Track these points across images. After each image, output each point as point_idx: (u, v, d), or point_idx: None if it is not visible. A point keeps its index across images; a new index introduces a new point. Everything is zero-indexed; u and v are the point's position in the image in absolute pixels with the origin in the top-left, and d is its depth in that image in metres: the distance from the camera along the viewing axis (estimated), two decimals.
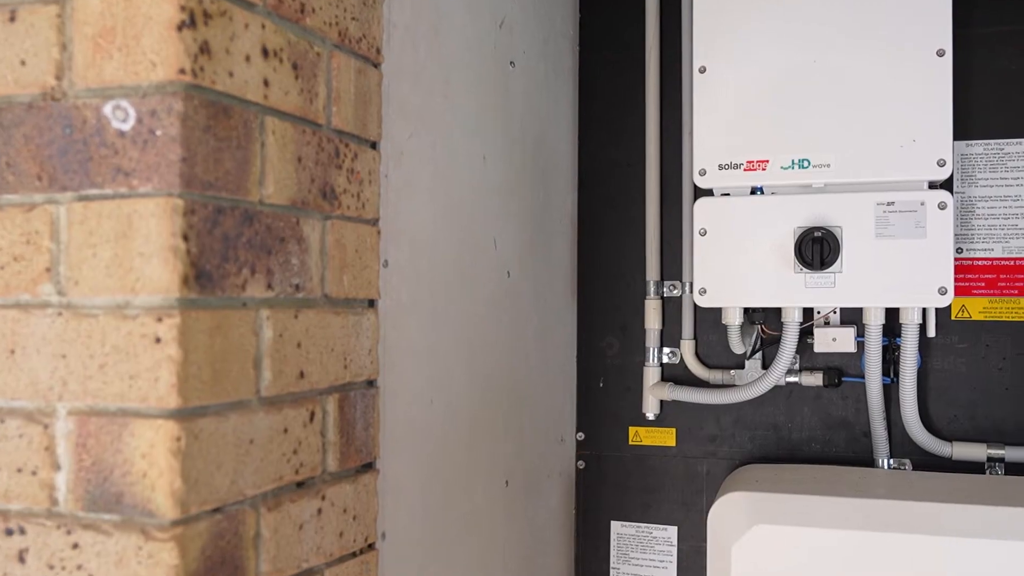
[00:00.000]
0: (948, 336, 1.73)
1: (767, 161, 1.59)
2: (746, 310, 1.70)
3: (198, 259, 0.88)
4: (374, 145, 1.18)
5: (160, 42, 0.86)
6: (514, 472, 1.63)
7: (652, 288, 1.87)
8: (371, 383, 1.17)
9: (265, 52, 0.97)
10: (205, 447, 0.89)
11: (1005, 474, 1.67)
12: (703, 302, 1.64)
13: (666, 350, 1.88)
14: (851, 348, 1.70)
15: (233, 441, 0.92)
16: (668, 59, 1.87)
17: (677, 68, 1.86)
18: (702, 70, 1.64)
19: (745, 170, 1.61)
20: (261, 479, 0.96)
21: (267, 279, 0.97)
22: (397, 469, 1.24)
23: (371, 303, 1.17)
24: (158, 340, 0.86)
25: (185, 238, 0.86)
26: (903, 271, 1.54)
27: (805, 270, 1.57)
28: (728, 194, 1.64)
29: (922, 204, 1.54)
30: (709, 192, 1.66)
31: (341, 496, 1.10)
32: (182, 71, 0.86)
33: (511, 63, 1.62)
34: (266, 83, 0.97)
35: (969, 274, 1.72)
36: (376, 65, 1.18)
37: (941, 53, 1.53)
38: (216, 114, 0.90)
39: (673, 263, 1.87)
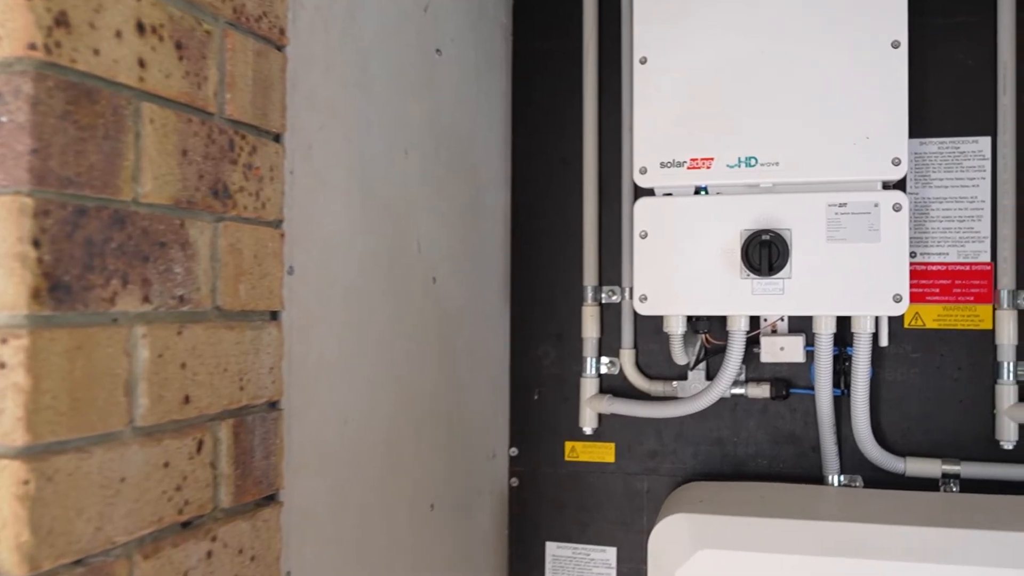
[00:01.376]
0: (901, 345, 1.64)
1: (712, 159, 1.49)
2: (689, 318, 1.60)
3: (53, 268, 0.74)
4: (277, 138, 1.05)
5: (5, 12, 0.72)
6: (441, 494, 1.51)
7: (590, 294, 1.75)
8: (273, 405, 1.04)
9: (141, 28, 0.83)
10: (62, 490, 0.75)
11: (960, 491, 1.59)
12: (644, 309, 1.53)
13: (604, 360, 1.77)
14: (800, 358, 1.61)
15: (99, 481, 0.79)
16: (608, 49, 1.76)
17: (617, 59, 1.75)
18: (643, 61, 1.53)
19: (688, 168, 1.50)
20: (136, 523, 0.83)
21: (143, 291, 0.83)
22: (305, 500, 1.10)
23: (273, 315, 1.04)
24: (3, 366, 0.72)
25: (36, 244, 0.73)
26: (856, 277, 1.44)
27: (752, 276, 1.47)
28: (671, 194, 1.53)
29: (876, 205, 1.44)
30: (650, 192, 1.55)
31: (236, 535, 0.96)
32: (32, 46, 0.73)
33: (437, 51, 1.50)
34: (142, 63, 0.83)
35: (923, 280, 1.63)
36: (280, 48, 1.05)
37: (896, 45, 1.44)
38: (77, 98, 0.77)
39: (612, 267, 1.76)
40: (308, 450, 1.11)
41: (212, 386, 0.93)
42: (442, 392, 1.52)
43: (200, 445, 0.91)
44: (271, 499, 1.03)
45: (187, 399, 0.89)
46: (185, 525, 0.90)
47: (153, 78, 0.85)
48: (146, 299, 0.84)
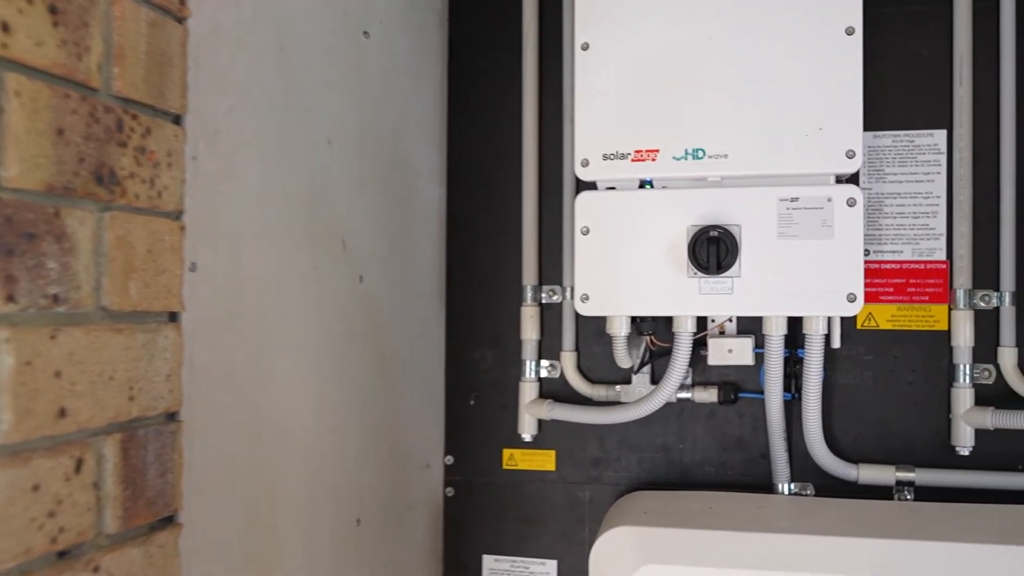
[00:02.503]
0: (853, 347, 1.57)
1: (657, 151, 1.40)
2: (634, 319, 1.51)
3: None
4: (177, 119, 0.95)
5: None
6: (369, 507, 1.41)
7: (529, 294, 1.66)
8: (171, 417, 0.93)
9: None
10: None
11: (915, 499, 1.52)
12: (585, 310, 1.44)
13: (544, 363, 1.68)
14: (749, 360, 1.53)
15: None
16: (549, 36, 1.67)
17: (559, 46, 1.66)
18: (585, 47, 1.44)
19: (632, 161, 1.41)
20: None
21: (8, 289, 0.73)
22: (211, 520, 1.00)
23: (172, 317, 0.93)
24: None
25: None
26: (808, 275, 1.37)
27: (700, 274, 1.38)
28: (614, 188, 1.44)
29: (829, 200, 1.37)
30: (593, 186, 1.46)
31: (125, 564, 0.86)
32: None
33: (365, 33, 1.39)
34: (5, 28, 0.73)
35: (876, 278, 1.56)
36: (180, 19, 0.94)
37: (851, 31, 1.36)
38: None
39: (553, 266, 1.67)
40: (214, 465, 1.01)
41: (95, 397, 0.82)
42: (370, 399, 1.42)
43: (79, 464, 0.80)
44: (168, 521, 0.93)
45: (63, 412, 0.78)
46: (62, 555, 0.79)
47: (20, 45, 0.74)
48: (11, 299, 0.73)
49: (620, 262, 1.42)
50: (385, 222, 1.46)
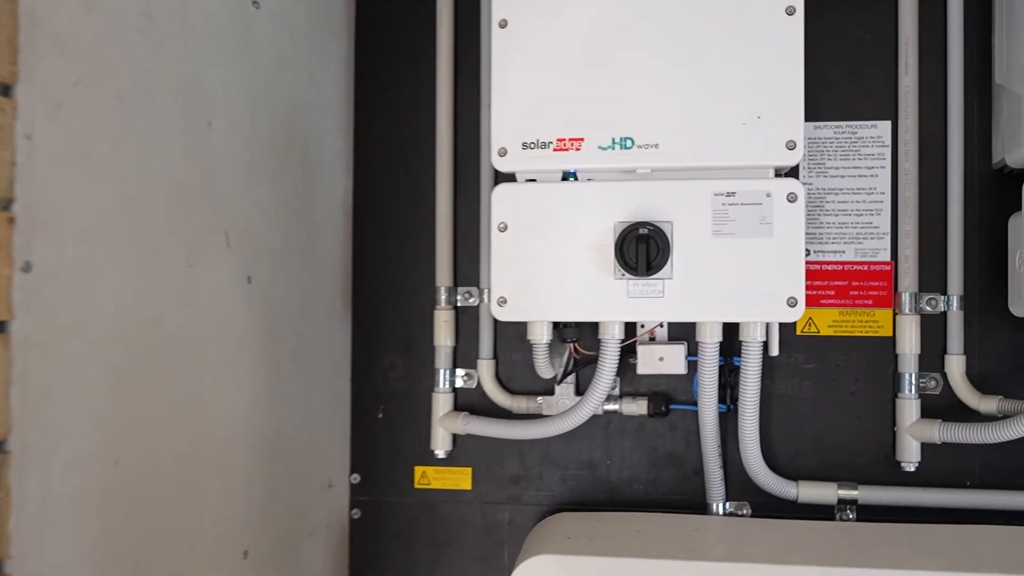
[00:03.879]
0: (792, 354, 1.46)
1: (582, 139, 1.27)
2: (556, 325, 1.37)
3: None
4: (5, 90, 0.79)
5: None
6: (259, 537, 1.25)
7: (443, 296, 1.52)
8: None
9: None
10: None
11: (858, 518, 1.42)
12: (502, 315, 1.30)
13: (460, 372, 1.54)
14: (681, 369, 1.41)
15: None
16: (465, 12, 1.53)
17: (476, 23, 1.51)
18: (502, 24, 1.31)
19: (555, 150, 1.28)
20: None
21: None
22: (51, 566, 0.84)
23: None
24: None
25: None
26: (745, 277, 1.25)
27: (628, 276, 1.26)
28: (534, 180, 1.31)
29: (768, 195, 1.25)
30: (512, 177, 1.32)
31: None
32: None
33: (254, 2, 1.24)
34: None
35: (817, 280, 1.45)
36: None
37: (791, 11, 1.25)
38: None
39: (470, 265, 1.53)
40: (56, 501, 0.85)
41: None
42: (260, 413, 1.26)
43: None
44: None
45: None
46: None
47: None
48: None
49: (541, 262, 1.29)
50: (279, 215, 1.31)
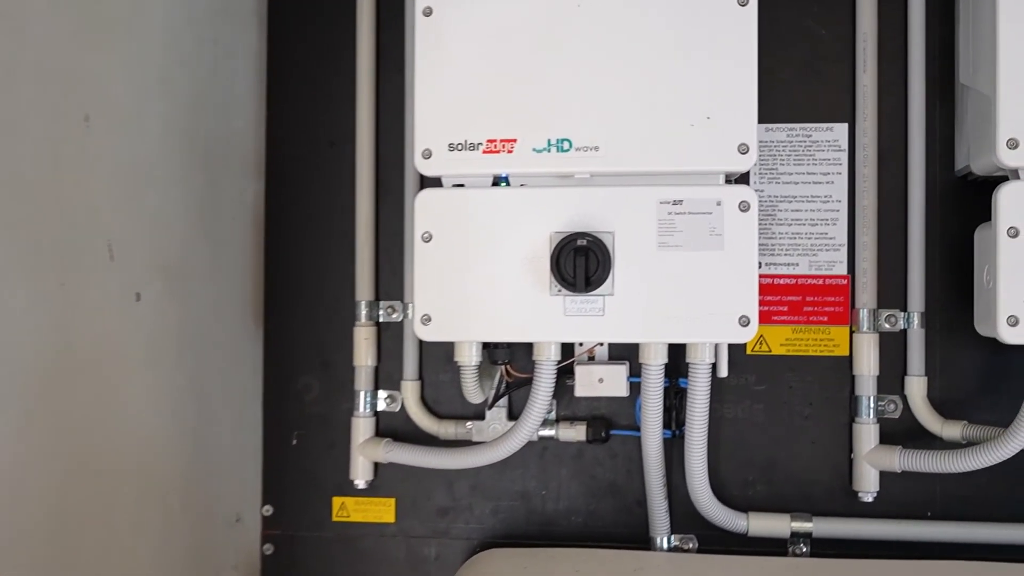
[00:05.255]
0: (743, 375, 1.35)
1: (515, 140, 1.16)
2: (486, 345, 1.25)
3: None
4: None
5: None
6: None
7: (363, 311, 1.39)
8: None
9: None
10: None
11: (811, 553, 1.31)
12: (426, 334, 1.18)
13: (382, 394, 1.41)
14: (622, 392, 1.30)
15: None
16: None
17: (401, 10, 1.38)
18: (427, 12, 1.18)
19: (485, 152, 1.16)
20: None
21: None
22: None
23: None
24: None
25: None
26: (693, 294, 1.14)
27: (565, 291, 1.14)
28: (462, 185, 1.19)
29: (718, 204, 1.14)
30: (438, 182, 1.20)
31: None
32: None
33: None
34: None
35: (769, 296, 1.34)
36: None
37: (744, 2, 1.14)
38: None
39: (392, 278, 1.40)
40: None
41: None
42: (154, 442, 1.13)
43: None
44: None
45: None
46: None
47: None
48: None
49: (469, 276, 1.17)
50: (175, 224, 1.17)
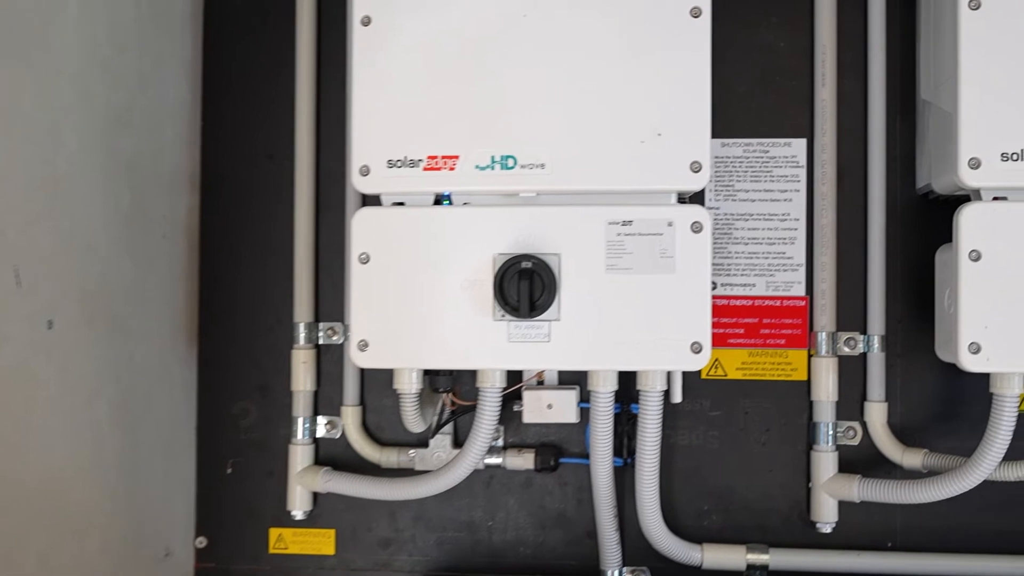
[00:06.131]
0: (697, 400, 1.30)
1: (456, 157, 1.10)
2: (427, 372, 1.19)
3: None
4: None
5: None
6: None
7: (302, 333, 1.32)
8: None
9: None
10: None
11: None
12: (363, 361, 1.12)
13: (322, 420, 1.34)
14: (572, 418, 1.24)
15: None
16: (331, 6, 1.33)
17: (343, 19, 1.32)
18: (366, 21, 1.13)
19: (426, 169, 1.10)
20: None
21: None
22: None
23: None
24: None
25: None
26: (643, 319, 1.09)
27: (508, 317, 1.08)
28: (403, 203, 1.13)
29: (670, 225, 1.09)
30: (377, 200, 1.14)
31: None
32: None
33: None
34: None
35: (725, 317, 1.29)
36: None
37: (697, 13, 1.09)
38: None
39: (333, 299, 1.33)
40: None
41: None
42: (68, 477, 1.06)
43: None
44: None
45: None
46: None
47: None
48: None
49: (408, 300, 1.11)
50: (93, 245, 1.11)
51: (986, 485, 1.12)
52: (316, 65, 1.33)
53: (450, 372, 1.20)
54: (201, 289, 1.36)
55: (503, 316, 1.09)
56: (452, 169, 1.10)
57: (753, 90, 1.30)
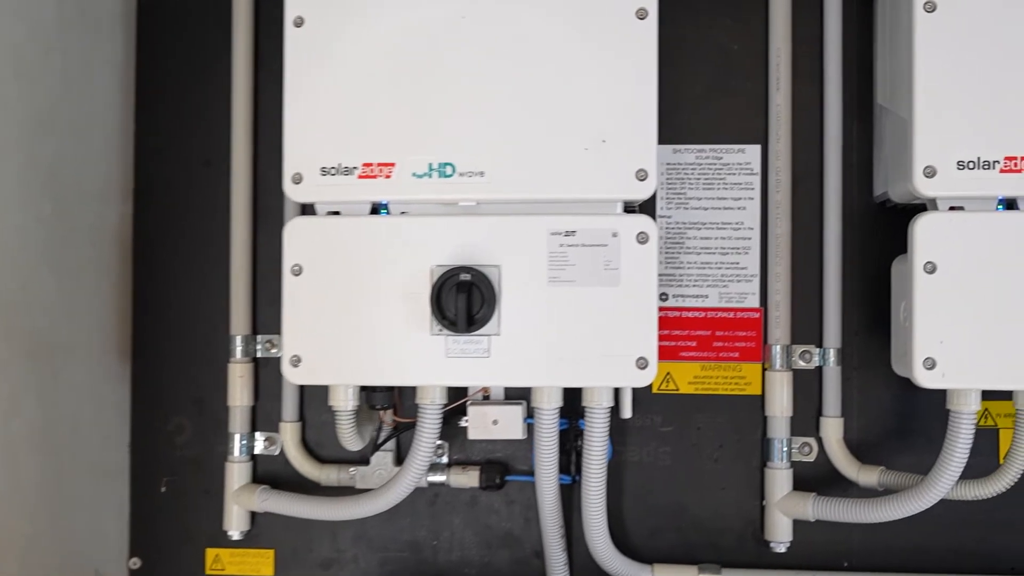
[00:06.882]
0: (648, 415, 1.25)
1: (392, 165, 1.06)
2: (364, 389, 1.14)
3: None
4: None
5: None
6: None
7: (239, 347, 1.27)
8: None
9: None
10: None
11: None
12: (296, 377, 1.08)
13: (260, 437, 1.29)
14: (518, 434, 1.19)
15: None
16: (268, 5, 1.28)
17: (280, 20, 1.26)
18: (298, 23, 1.09)
19: (361, 177, 1.06)
20: None
21: None
22: None
23: None
24: None
25: None
26: (587, 334, 1.05)
27: (446, 331, 1.04)
28: (338, 212, 1.08)
29: (614, 235, 1.05)
30: (311, 209, 1.09)
31: None
32: None
33: None
34: None
35: (676, 330, 1.25)
36: None
37: (643, 14, 1.05)
38: None
39: (271, 311, 1.27)
40: None
41: None
42: None
43: None
44: None
45: None
46: None
47: None
48: None
49: (343, 313, 1.07)
50: (9, 256, 1.05)
51: (944, 503, 1.09)
52: (254, 67, 1.28)
53: (389, 388, 1.15)
54: (135, 301, 1.31)
55: (440, 331, 1.05)
56: (388, 177, 1.06)
57: (707, 95, 1.26)
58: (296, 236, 1.08)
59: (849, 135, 1.23)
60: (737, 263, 1.24)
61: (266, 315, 1.28)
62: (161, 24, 1.32)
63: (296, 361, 1.07)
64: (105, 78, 1.26)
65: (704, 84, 1.26)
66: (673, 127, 1.23)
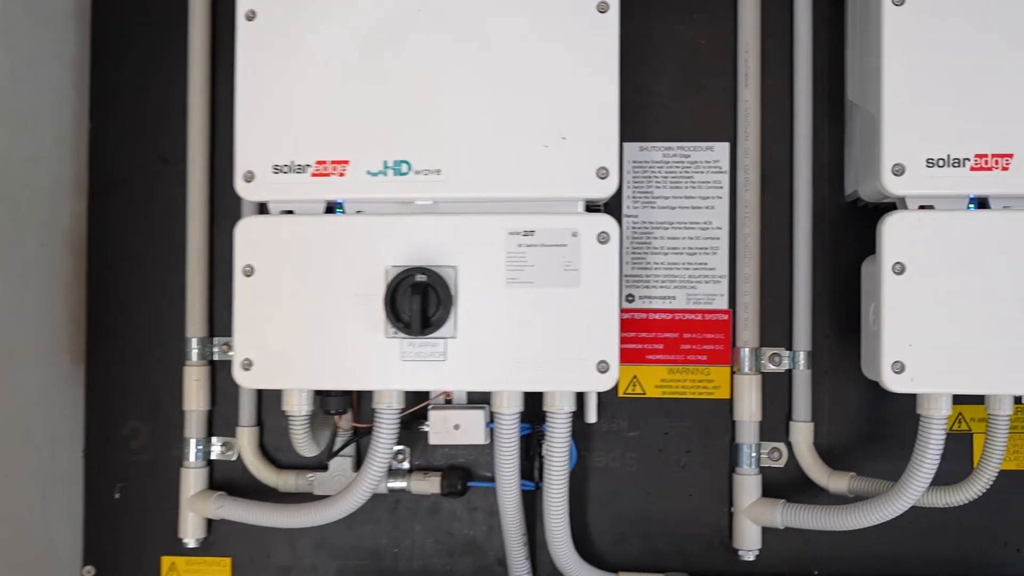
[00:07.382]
0: (614, 420, 1.22)
1: (347, 162, 1.03)
2: (319, 393, 1.11)
3: None
4: None
5: None
6: None
7: (195, 350, 1.24)
8: None
9: None
10: None
11: None
12: (247, 381, 1.05)
13: (216, 442, 1.26)
14: (480, 439, 1.16)
15: None
16: (225, 0, 1.25)
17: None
18: (250, 16, 1.06)
19: (314, 175, 1.04)
20: None
21: None
22: None
23: None
24: None
25: None
26: (547, 337, 1.02)
27: (401, 334, 1.01)
28: (291, 211, 1.05)
29: (575, 235, 1.02)
30: (264, 208, 1.06)
31: None
32: None
33: None
34: None
35: (643, 332, 1.22)
36: None
37: (603, 8, 1.02)
38: None
39: (229, 313, 1.22)
40: None
41: None
42: None
43: None
44: None
45: None
46: None
47: None
48: None
49: (295, 316, 1.04)
50: None
51: (916, 510, 1.05)
52: (211, 62, 1.25)
53: (344, 393, 1.12)
54: (88, 302, 1.27)
55: (395, 333, 1.02)
56: (342, 175, 1.03)
57: (674, 91, 1.23)
58: (247, 236, 1.05)
59: (820, 132, 1.20)
60: (705, 264, 1.21)
61: (223, 317, 1.25)
62: (116, 18, 1.28)
63: (248, 364, 1.04)
64: (56, 74, 1.22)
65: (671, 80, 1.23)
66: (639, 124, 1.20)
